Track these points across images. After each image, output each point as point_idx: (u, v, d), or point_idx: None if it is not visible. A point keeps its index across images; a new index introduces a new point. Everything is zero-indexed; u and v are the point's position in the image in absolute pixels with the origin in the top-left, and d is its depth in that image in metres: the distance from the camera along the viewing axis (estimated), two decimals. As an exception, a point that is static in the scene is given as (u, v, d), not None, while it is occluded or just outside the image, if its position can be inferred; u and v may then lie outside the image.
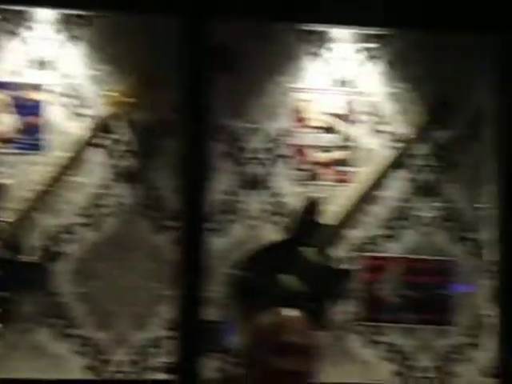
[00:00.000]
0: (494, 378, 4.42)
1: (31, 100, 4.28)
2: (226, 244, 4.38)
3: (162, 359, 4.22)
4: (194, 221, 4.21)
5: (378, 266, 4.49)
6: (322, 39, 4.52)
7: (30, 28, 4.29)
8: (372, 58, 4.55)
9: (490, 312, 4.49)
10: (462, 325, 4.52)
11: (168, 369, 4.15)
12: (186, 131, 4.25)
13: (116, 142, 4.34)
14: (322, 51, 4.53)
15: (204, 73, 4.25)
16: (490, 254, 4.52)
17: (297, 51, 4.51)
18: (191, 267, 4.12)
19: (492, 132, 4.55)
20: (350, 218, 4.46)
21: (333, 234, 4.43)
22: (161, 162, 4.36)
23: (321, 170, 4.50)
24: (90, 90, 4.34)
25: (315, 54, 4.53)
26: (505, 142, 4.52)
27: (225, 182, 4.41)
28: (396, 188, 4.53)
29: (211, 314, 4.19)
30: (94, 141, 4.29)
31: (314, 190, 4.46)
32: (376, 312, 4.47)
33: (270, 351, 2.45)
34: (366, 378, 4.40)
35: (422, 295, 4.49)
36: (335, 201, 4.45)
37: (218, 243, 4.33)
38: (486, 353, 4.48)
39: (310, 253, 4.39)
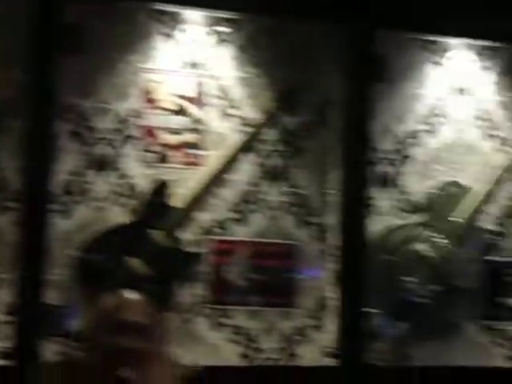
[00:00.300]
0: (334, 359, 4.48)
1: None
2: (71, 226, 4.15)
3: (0, 344, 4.00)
4: (37, 202, 3.98)
5: (226, 250, 4.42)
6: (174, 20, 4.38)
7: None
8: (223, 41, 4.45)
9: (332, 295, 4.53)
10: (305, 307, 4.53)
11: (6, 354, 3.93)
12: (31, 110, 4.04)
13: (-47, 118, 4.06)
14: (175, 32, 4.40)
15: (51, 52, 4.05)
16: (333, 238, 4.57)
17: (148, 31, 4.35)
18: (32, 249, 3.90)
19: (338, 119, 4.60)
20: (199, 201, 4.37)
21: (181, 216, 4.33)
22: (3, 142, 4.11)
23: (170, 153, 4.36)
24: None
25: (167, 35, 4.39)
26: (351, 128, 4.58)
27: (71, 163, 4.19)
28: (245, 172, 4.46)
29: (53, 297, 3.99)
30: None
31: (163, 173, 4.32)
32: (223, 295, 4.40)
33: (108, 331, 2.41)
34: (212, 360, 4.33)
35: (269, 278, 4.45)
36: (184, 183, 4.34)
37: (62, 225, 4.11)
38: (328, 334, 4.52)
39: (158, 235, 4.26)
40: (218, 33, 4.44)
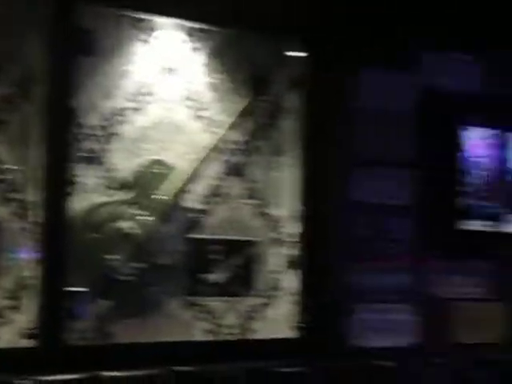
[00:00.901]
0: (32, 340, 4.28)
1: None
2: None
3: None
4: None
5: None
6: None
7: None
8: None
9: (32, 274, 4.32)
10: (3, 287, 4.24)
11: None
12: None
13: None
14: None
15: None
16: (35, 215, 4.35)
17: None
18: None
19: (42, 92, 4.36)
20: None
21: None
22: None
23: None
24: None
25: None
26: (54, 103, 4.37)
27: None
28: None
29: None
30: None
31: None
32: None
33: None
34: None
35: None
36: None
37: None
38: (27, 315, 4.31)
39: None
40: None
